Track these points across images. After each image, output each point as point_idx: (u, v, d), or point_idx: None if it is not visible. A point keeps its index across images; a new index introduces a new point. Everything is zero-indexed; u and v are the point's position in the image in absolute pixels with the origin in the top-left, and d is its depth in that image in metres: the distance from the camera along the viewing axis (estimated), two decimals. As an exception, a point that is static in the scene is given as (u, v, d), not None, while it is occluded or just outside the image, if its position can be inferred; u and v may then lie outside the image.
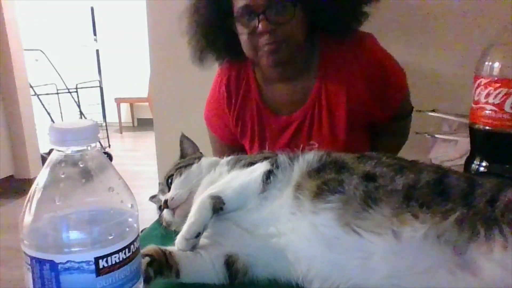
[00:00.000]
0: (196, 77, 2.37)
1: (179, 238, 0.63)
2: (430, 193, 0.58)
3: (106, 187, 0.45)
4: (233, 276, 0.64)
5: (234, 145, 1.22)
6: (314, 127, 1.11)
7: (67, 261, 0.41)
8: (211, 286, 0.64)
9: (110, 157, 4.10)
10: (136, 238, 0.46)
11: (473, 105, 0.76)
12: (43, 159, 3.82)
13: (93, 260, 0.42)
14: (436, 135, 1.19)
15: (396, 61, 1.14)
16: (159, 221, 0.83)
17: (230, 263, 0.64)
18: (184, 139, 0.92)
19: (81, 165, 0.44)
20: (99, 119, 5.39)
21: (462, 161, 0.82)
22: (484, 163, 0.75)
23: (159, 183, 0.86)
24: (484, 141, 0.76)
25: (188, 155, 0.90)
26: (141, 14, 2.59)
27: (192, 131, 0.96)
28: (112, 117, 5.87)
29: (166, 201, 0.76)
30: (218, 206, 0.64)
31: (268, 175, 0.67)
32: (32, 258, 0.43)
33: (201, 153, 0.91)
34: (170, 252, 0.63)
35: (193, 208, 0.65)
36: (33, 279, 0.43)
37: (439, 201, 0.56)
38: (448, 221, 0.53)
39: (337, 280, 0.57)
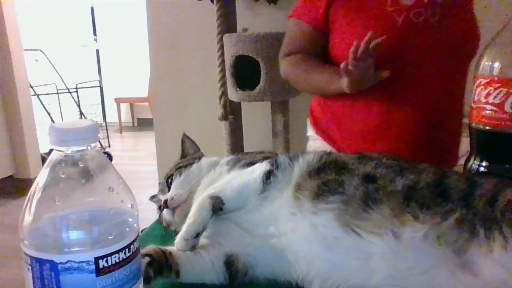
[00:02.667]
0: (196, 77, 2.38)
1: (178, 238, 0.63)
2: (430, 194, 0.58)
3: (106, 187, 0.45)
4: (233, 276, 0.64)
5: (320, 29, 1.16)
6: None
7: (67, 261, 0.41)
8: (211, 286, 0.64)
9: (110, 157, 4.10)
10: (136, 238, 0.46)
11: (473, 105, 0.76)
12: (43, 159, 3.82)
13: (93, 260, 0.42)
14: (436, 135, 1.19)
15: None
16: (159, 221, 0.83)
17: (230, 263, 0.64)
18: (185, 138, 0.92)
19: (81, 165, 0.44)
20: (99, 119, 5.38)
21: (462, 161, 0.82)
22: (484, 163, 0.75)
23: (159, 183, 0.86)
24: (484, 141, 0.76)
25: (189, 155, 0.90)
26: (141, 14, 2.60)
27: (192, 131, 0.96)
28: (112, 117, 5.86)
29: (166, 201, 0.76)
30: (217, 206, 0.64)
31: (268, 175, 0.67)
32: (32, 258, 0.43)
33: (201, 153, 0.91)
34: (170, 252, 0.63)
35: (192, 208, 0.65)
36: (33, 279, 0.43)
37: (439, 202, 0.56)
38: (448, 222, 0.53)
39: (337, 281, 0.57)
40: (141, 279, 0.49)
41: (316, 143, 1.28)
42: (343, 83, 1.02)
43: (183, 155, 0.91)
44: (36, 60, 4.64)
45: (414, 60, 1.06)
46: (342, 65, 0.97)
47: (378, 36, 0.94)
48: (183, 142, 0.92)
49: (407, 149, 1.08)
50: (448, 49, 1.06)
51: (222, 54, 1.92)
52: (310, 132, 1.31)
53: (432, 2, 1.05)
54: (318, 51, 1.18)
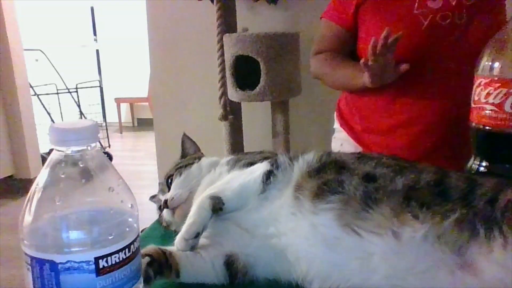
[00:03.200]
0: (196, 77, 2.38)
1: (178, 239, 0.63)
2: (430, 194, 0.58)
3: (106, 187, 0.45)
4: (233, 276, 0.64)
5: (349, 30, 1.20)
6: None
7: (67, 261, 0.41)
8: (211, 286, 0.64)
9: (110, 157, 4.10)
10: (136, 238, 0.46)
11: (473, 105, 0.76)
12: (43, 159, 3.82)
13: (93, 260, 0.42)
14: (436, 135, 1.19)
15: None
16: (159, 221, 0.83)
17: (230, 263, 0.64)
18: (185, 138, 0.92)
19: (81, 165, 0.44)
20: (99, 119, 5.38)
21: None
22: (484, 163, 0.75)
23: (159, 183, 0.86)
24: (484, 141, 0.76)
25: (189, 155, 0.90)
26: (141, 14, 2.60)
27: (192, 131, 0.96)
28: (112, 117, 5.86)
29: (166, 201, 0.76)
30: (217, 207, 0.64)
31: (268, 175, 0.67)
32: (32, 258, 0.43)
33: (201, 153, 0.91)
34: (170, 252, 0.63)
35: (192, 208, 0.65)
36: (33, 279, 0.43)
37: (439, 201, 0.56)
38: (448, 222, 0.53)
39: (337, 280, 0.57)
40: (141, 279, 0.49)
41: (340, 135, 1.34)
42: (365, 78, 1.06)
43: (183, 155, 0.91)
44: (36, 60, 4.64)
45: (439, 60, 1.07)
46: (362, 61, 1.00)
47: (403, 37, 0.97)
48: (183, 142, 0.92)
49: (427, 147, 1.11)
50: (474, 49, 1.06)
51: (222, 54, 1.92)
52: (336, 124, 1.38)
53: (459, 5, 1.06)
54: (347, 50, 1.23)
